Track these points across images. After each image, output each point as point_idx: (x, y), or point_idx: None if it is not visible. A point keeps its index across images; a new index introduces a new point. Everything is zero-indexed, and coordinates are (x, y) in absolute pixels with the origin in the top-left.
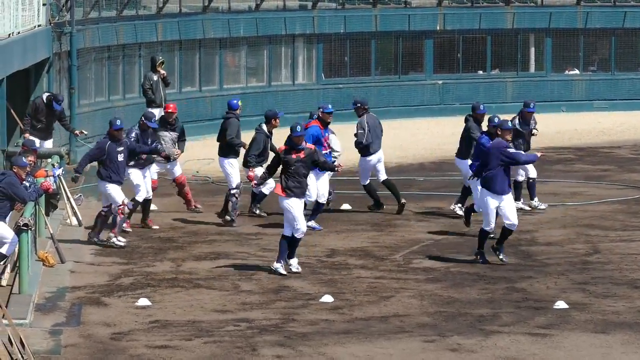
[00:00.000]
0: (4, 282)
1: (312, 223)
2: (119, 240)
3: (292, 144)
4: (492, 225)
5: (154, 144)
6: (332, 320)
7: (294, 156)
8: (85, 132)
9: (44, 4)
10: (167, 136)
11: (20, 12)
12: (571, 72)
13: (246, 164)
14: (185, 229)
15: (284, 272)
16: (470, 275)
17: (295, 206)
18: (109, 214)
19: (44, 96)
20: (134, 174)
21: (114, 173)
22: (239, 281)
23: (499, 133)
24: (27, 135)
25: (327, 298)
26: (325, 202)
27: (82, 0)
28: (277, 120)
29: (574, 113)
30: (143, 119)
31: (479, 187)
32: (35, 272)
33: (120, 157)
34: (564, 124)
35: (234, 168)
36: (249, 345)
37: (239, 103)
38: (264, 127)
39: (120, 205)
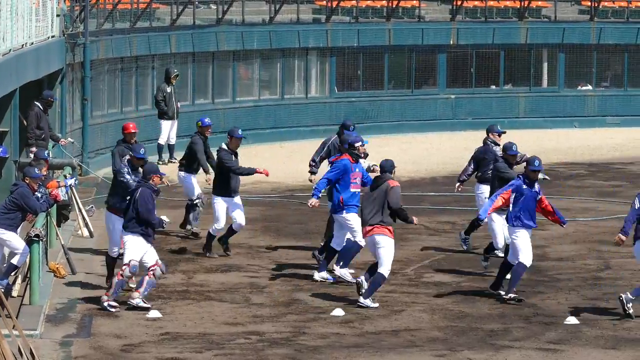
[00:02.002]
0: (14, 293)
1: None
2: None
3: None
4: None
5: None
6: (342, 334)
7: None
8: (72, 141)
9: (57, 15)
10: None
11: (34, 23)
12: (584, 88)
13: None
14: (196, 241)
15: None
16: (482, 289)
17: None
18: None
19: (37, 103)
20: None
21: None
22: (250, 294)
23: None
24: (33, 149)
25: (338, 312)
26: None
27: (96, 12)
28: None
29: (586, 129)
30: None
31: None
32: (46, 283)
33: None
34: (576, 140)
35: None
36: (259, 358)
37: (207, 120)
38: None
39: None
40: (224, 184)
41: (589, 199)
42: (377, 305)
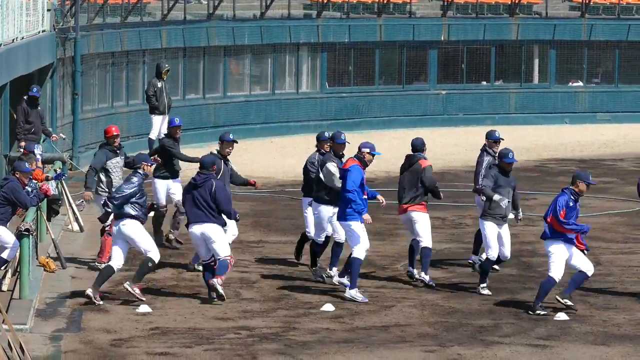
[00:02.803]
0: (4, 287)
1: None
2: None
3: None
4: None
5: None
6: (332, 329)
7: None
8: (64, 137)
9: (48, 10)
10: (120, 162)
11: (25, 18)
12: (575, 84)
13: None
14: (186, 236)
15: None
16: (472, 285)
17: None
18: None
19: (26, 98)
20: None
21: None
22: (240, 289)
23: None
24: (22, 143)
25: (328, 307)
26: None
27: (87, 6)
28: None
29: (577, 125)
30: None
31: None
32: (36, 278)
33: None
34: (567, 136)
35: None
36: (249, 353)
37: (177, 120)
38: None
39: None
40: None
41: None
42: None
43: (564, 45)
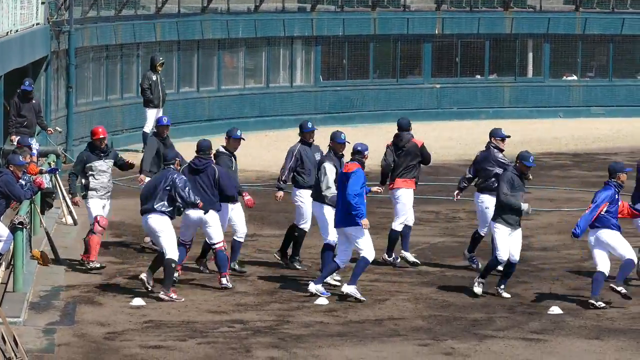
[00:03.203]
0: None
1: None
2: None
3: None
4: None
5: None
6: (326, 323)
7: None
8: (60, 130)
9: (42, 3)
10: (102, 165)
11: (19, 10)
12: (569, 78)
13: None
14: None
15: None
16: (465, 279)
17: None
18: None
19: (19, 91)
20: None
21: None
22: (234, 282)
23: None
24: (13, 137)
25: (322, 300)
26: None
27: None
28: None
29: (571, 119)
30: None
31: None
32: (30, 271)
33: None
34: (561, 130)
35: None
36: (243, 346)
37: (165, 119)
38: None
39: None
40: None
41: (573, 189)
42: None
43: (558, 39)
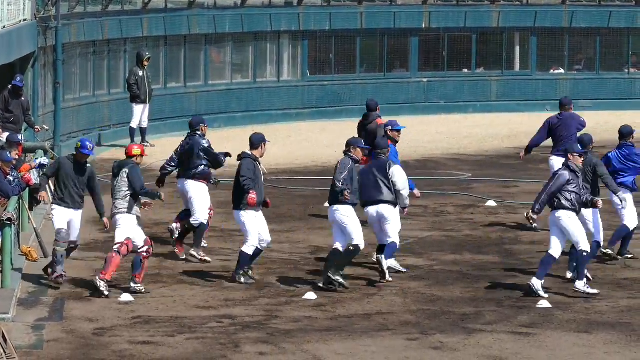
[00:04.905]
0: None
1: None
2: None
3: None
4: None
5: None
6: (315, 318)
7: None
8: (47, 128)
9: None
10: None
11: (6, 6)
12: (556, 71)
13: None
14: (169, 225)
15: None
16: (454, 273)
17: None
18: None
19: (9, 87)
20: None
21: None
22: (223, 277)
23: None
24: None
25: (311, 295)
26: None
27: None
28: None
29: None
30: None
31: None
32: (18, 267)
33: None
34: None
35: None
36: (231, 341)
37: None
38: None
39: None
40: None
41: None
42: None
43: (545, 33)
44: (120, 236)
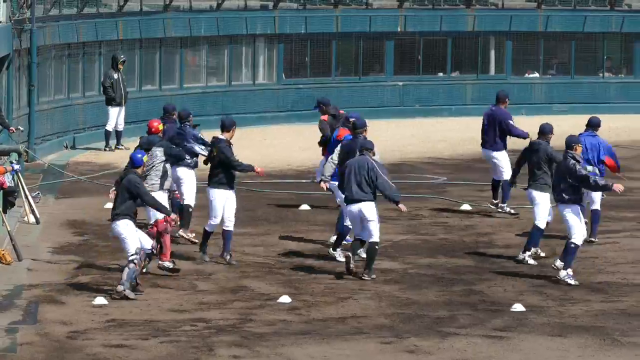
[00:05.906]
0: None
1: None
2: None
3: None
4: None
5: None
6: (289, 321)
7: None
8: (22, 129)
9: (4, 1)
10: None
11: None
12: (531, 75)
13: None
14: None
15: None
16: (428, 277)
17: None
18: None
19: None
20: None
21: None
22: (196, 281)
23: None
24: None
25: (285, 299)
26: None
27: None
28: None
29: (533, 116)
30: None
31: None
32: None
33: None
34: (524, 127)
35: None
36: (205, 345)
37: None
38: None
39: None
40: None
41: None
42: None
43: (520, 37)
44: (153, 218)
